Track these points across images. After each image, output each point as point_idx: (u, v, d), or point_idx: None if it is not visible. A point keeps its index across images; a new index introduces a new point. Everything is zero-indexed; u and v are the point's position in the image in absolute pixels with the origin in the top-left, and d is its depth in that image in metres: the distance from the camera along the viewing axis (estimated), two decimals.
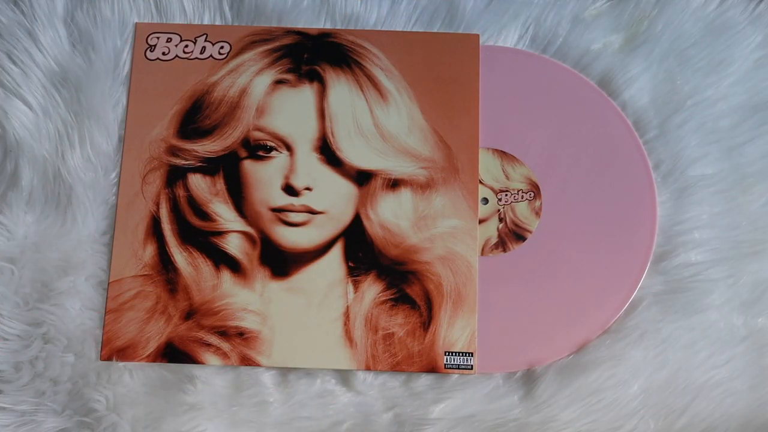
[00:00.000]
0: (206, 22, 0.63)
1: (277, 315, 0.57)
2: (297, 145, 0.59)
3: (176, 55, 0.62)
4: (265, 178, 0.59)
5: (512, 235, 0.60)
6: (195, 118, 0.60)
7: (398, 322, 0.58)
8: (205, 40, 0.62)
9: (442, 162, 0.60)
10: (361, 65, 0.61)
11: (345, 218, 0.59)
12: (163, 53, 0.62)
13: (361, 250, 0.58)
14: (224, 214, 0.59)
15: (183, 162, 0.60)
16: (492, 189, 0.61)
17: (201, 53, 0.62)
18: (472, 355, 0.57)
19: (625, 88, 0.62)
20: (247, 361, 0.57)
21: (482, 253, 0.59)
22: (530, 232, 0.60)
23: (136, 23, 0.63)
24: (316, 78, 0.60)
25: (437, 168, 0.60)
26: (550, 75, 0.62)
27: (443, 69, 0.61)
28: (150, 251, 0.58)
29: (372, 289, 0.58)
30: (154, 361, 0.57)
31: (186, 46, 0.62)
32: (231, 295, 0.58)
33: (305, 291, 0.58)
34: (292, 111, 0.60)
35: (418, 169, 0.59)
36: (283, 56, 0.61)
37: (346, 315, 0.58)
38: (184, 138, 0.60)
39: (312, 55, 0.61)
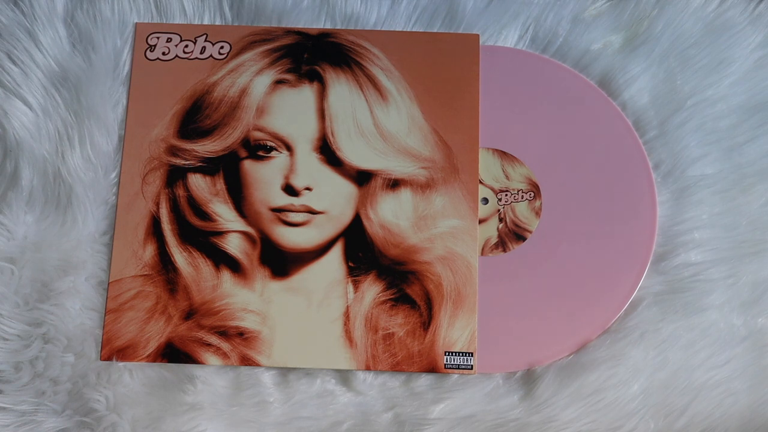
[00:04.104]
0: (206, 22, 0.63)
1: (277, 315, 0.57)
2: (297, 145, 0.59)
3: (176, 55, 0.62)
4: (265, 178, 0.59)
5: (512, 235, 0.60)
6: (195, 118, 0.60)
7: (398, 322, 0.58)
8: (205, 40, 0.62)
9: (442, 162, 0.60)
10: (361, 65, 0.61)
11: (345, 218, 0.59)
12: (163, 53, 0.62)
13: (361, 250, 0.58)
14: (224, 214, 0.59)
15: (183, 162, 0.60)
16: (492, 189, 0.61)
17: (201, 53, 0.62)
18: (472, 355, 0.57)
19: (625, 88, 0.62)
20: (247, 361, 0.57)
21: (482, 253, 0.59)
22: (530, 232, 0.60)
23: (136, 23, 0.63)
24: (316, 78, 0.60)
25: (437, 168, 0.60)
26: (550, 75, 0.62)
27: (443, 69, 0.61)
28: (150, 251, 0.58)
29: (372, 289, 0.58)
30: (154, 361, 0.57)
31: (186, 46, 0.62)
32: (231, 295, 0.58)
33: (305, 291, 0.58)
34: (292, 111, 0.60)
35: (418, 169, 0.59)
36: (283, 56, 0.61)
37: (346, 315, 0.58)
38: (184, 138, 0.60)
39: (312, 55, 0.61)
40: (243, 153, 0.59)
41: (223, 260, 0.58)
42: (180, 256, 0.58)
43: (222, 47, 0.62)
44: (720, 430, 0.57)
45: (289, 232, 0.58)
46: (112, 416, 0.55)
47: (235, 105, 0.60)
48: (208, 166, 0.59)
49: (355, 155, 0.59)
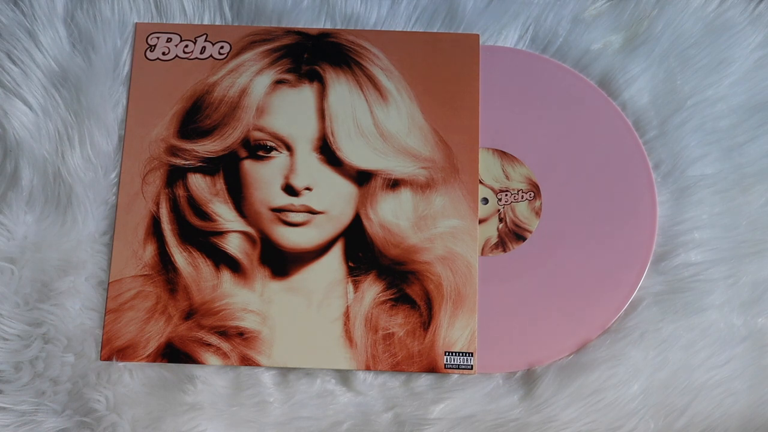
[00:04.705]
0: (206, 22, 0.63)
1: (277, 315, 0.57)
2: (297, 145, 0.59)
3: (176, 55, 0.62)
4: (265, 178, 0.59)
5: (512, 235, 0.60)
6: (195, 118, 0.60)
7: (398, 322, 0.58)
8: (205, 40, 0.62)
9: (442, 162, 0.60)
10: (361, 65, 0.61)
11: (345, 218, 0.59)
12: (163, 53, 0.62)
13: (361, 250, 0.58)
14: (224, 214, 0.59)
15: (183, 162, 0.60)
16: (492, 189, 0.61)
17: (201, 53, 0.62)
18: (472, 355, 0.57)
19: (625, 88, 0.62)
20: (247, 361, 0.57)
21: (482, 253, 0.59)
22: (530, 232, 0.60)
23: (136, 23, 0.63)
24: (316, 78, 0.60)
25: (437, 168, 0.60)
26: (550, 75, 0.62)
27: (443, 69, 0.61)
28: (150, 251, 0.58)
29: (372, 289, 0.58)
30: (154, 361, 0.57)
31: (186, 46, 0.62)
32: (231, 295, 0.58)
33: (305, 291, 0.58)
34: (292, 111, 0.60)
35: (418, 169, 0.59)
36: (283, 56, 0.61)
37: (346, 315, 0.58)
38: (184, 138, 0.60)
39: (312, 55, 0.61)
40: (243, 153, 0.59)
41: (223, 260, 0.58)
42: (180, 256, 0.58)
43: (222, 47, 0.62)
44: (720, 430, 0.57)
45: (289, 232, 0.58)
46: (112, 416, 0.55)
47: (235, 105, 0.60)
48: (208, 166, 0.59)
49: (355, 155, 0.59)
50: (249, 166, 0.59)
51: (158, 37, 0.62)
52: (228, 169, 0.59)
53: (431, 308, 0.58)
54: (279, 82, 0.60)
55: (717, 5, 0.63)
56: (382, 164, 0.59)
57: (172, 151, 0.60)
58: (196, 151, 0.60)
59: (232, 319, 0.57)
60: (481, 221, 0.60)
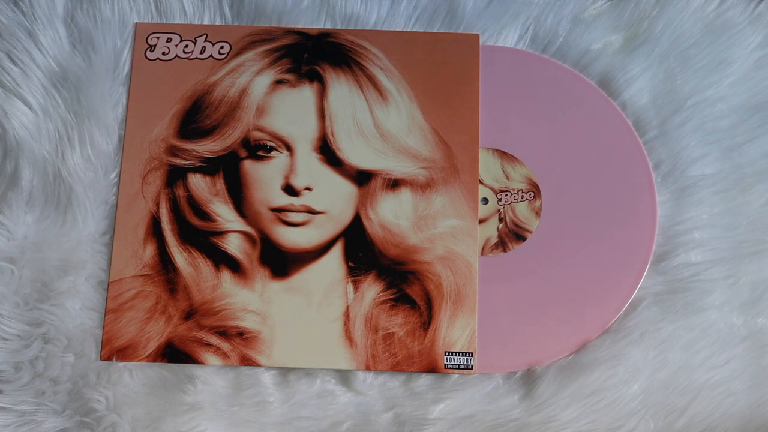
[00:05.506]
0: (206, 22, 0.63)
1: (277, 315, 0.57)
2: (297, 145, 0.59)
3: (176, 55, 0.62)
4: (265, 178, 0.59)
5: (512, 235, 0.60)
6: (195, 118, 0.60)
7: (398, 322, 0.58)
8: (205, 40, 0.62)
9: (442, 162, 0.60)
10: (361, 65, 0.61)
11: (345, 218, 0.59)
12: (163, 53, 0.62)
13: (361, 250, 0.58)
14: (224, 214, 0.59)
15: (183, 162, 0.60)
16: (492, 189, 0.61)
17: (201, 53, 0.62)
18: (472, 355, 0.57)
19: (625, 88, 0.62)
20: (247, 361, 0.57)
21: (482, 253, 0.59)
22: (530, 232, 0.60)
23: (136, 23, 0.63)
24: (316, 78, 0.60)
25: (437, 168, 0.60)
26: (550, 75, 0.62)
27: (443, 69, 0.61)
28: (150, 251, 0.58)
29: (372, 289, 0.58)
30: (154, 361, 0.57)
31: (186, 46, 0.62)
32: (231, 295, 0.58)
33: (305, 291, 0.58)
34: (292, 111, 0.60)
35: (418, 169, 0.59)
36: (283, 56, 0.61)
37: (346, 315, 0.58)
38: (184, 138, 0.60)
39: (312, 55, 0.61)
40: (243, 153, 0.59)
41: (223, 260, 0.58)
42: (180, 256, 0.58)
43: (222, 47, 0.62)
44: (720, 430, 0.57)
45: (289, 232, 0.58)
46: (112, 416, 0.55)
47: (235, 105, 0.60)
48: (208, 166, 0.59)
49: (355, 155, 0.59)
50: (249, 166, 0.59)
51: (158, 37, 0.62)
52: (228, 169, 0.59)
53: (431, 308, 0.58)
54: (279, 82, 0.60)
55: (717, 5, 0.63)
56: (382, 164, 0.59)
57: (172, 151, 0.60)
58: (196, 151, 0.60)
59: (232, 319, 0.57)
60: (481, 221, 0.60)
